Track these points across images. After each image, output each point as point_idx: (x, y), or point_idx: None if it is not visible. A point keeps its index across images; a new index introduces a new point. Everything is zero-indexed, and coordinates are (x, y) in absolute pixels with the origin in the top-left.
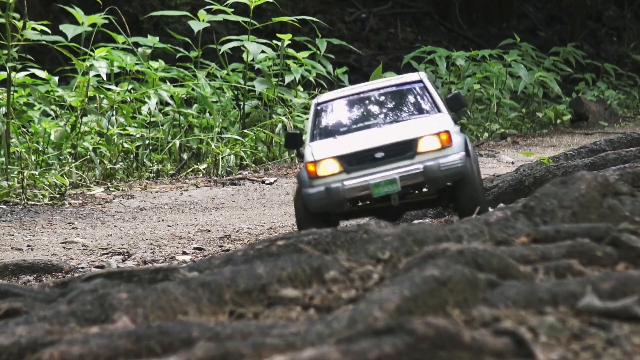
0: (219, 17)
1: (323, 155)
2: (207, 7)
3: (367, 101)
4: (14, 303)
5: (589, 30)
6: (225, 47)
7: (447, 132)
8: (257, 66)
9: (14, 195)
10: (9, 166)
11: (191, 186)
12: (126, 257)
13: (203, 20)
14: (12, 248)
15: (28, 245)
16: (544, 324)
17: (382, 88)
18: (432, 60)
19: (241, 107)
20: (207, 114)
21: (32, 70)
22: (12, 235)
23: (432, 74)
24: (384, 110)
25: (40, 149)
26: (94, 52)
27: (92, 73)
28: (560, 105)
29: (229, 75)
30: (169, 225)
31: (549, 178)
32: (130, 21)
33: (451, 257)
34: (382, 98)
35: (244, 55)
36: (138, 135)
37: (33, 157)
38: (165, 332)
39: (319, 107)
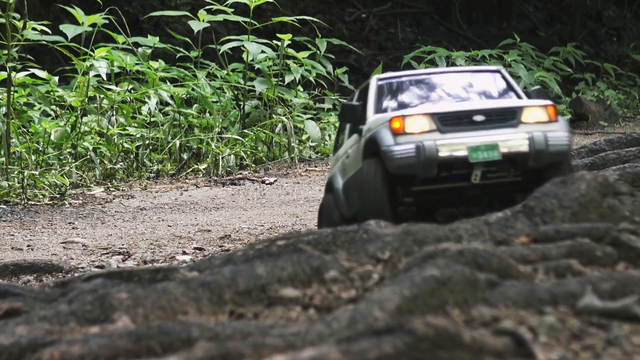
0: (219, 17)
1: (413, 112)
2: (207, 7)
3: (440, 82)
4: (14, 303)
5: (588, 30)
6: (225, 47)
7: (553, 105)
8: (257, 66)
9: (14, 195)
10: (9, 166)
11: (191, 186)
12: (126, 257)
13: (203, 20)
14: (12, 248)
15: (28, 245)
16: (544, 324)
17: (459, 72)
18: (432, 60)
19: (241, 107)
20: (207, 114)
21: (32, 70)
22: (13, 235)
23: None
24: (467, 92)
25: (40, 149)
26: (94, 52)
27: (92, 73)
28: (560, 105)
29: (229, 75)
30: (169, 225)
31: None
32: (130, 21)
33: (451, 257)
34: (460, 80)
35: (244, 55)
36: (138, 135)
37: (33, 157)
38: (166, 332)
39: (381, 83)
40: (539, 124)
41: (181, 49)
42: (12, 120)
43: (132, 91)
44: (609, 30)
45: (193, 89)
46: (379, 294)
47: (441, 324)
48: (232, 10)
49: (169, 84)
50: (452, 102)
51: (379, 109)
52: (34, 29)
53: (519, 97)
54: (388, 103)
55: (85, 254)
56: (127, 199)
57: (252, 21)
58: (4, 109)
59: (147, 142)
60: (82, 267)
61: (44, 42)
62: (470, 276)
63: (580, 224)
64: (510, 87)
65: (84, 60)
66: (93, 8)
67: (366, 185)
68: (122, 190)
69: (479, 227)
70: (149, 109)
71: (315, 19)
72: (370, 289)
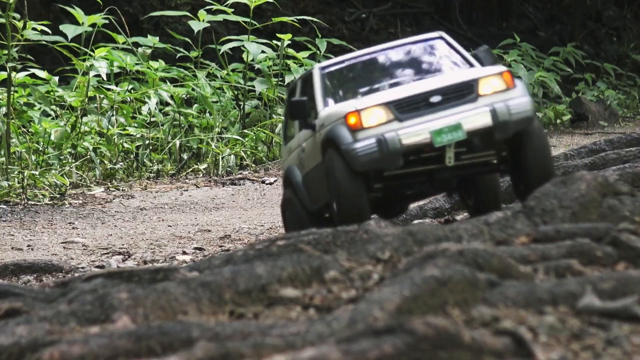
0: (219, 17)
1: (367, 104)
2: (207, 7)
3: (384, 61)
4: (14, 303)
5: (588, 30)
6: (225, 47)
7: (509, 71)
8: (257, 66)
9: (14, 195)
10: (9, 166)
11: (191, 186)
12: (126, 257)
13: (203, 20)
14: (12, 248)
15: (28, 245)
16: (544, 324)
17: (397, 46)
18: None
19: (241, 107)
20: (207, 114)
21: (32, 70)
22: (13, 235)
23: None
24: (414, 67)
25: (40, 149)
26: (94, 52)
27: (92, 73)
28: (560, 106)
29: (229, 75)
30: (169, 225)
31: None
32: (130, 21)
33: (451, 257)
34: (402, 56)
35: (244, 55)
36: (138, 135)
37: (33, 157)
38: (166, 332)
39: (324, 72)
40: (498, 94)
41: (181, 49)
42: (12, 120)
43: (132, 91)
44: (609, 30)
45: (193, 89)
46: (379, 294)
47: (441, 324)
48: (232, 10)
49: (169, 84)
50: (404, 84)
51: (329, 101)
52: (34, 29)
53: (469, 63)
54: (336, 93)
55: (85, 254)
56: (127, 199)
57: (252, 21)
58: (4, 109)
59: (147, 142)
60: (82, 267)
61: (44, 42)
62: (470, 276)
63: (580, 224)
64: (457, 52)
65: (84, 60)
66: (93, 8)
67: (335, 181)
68: (122, 190)
69: (479, 227)
70: (149, 109)
71: (315, 19)
72: (370, 289)
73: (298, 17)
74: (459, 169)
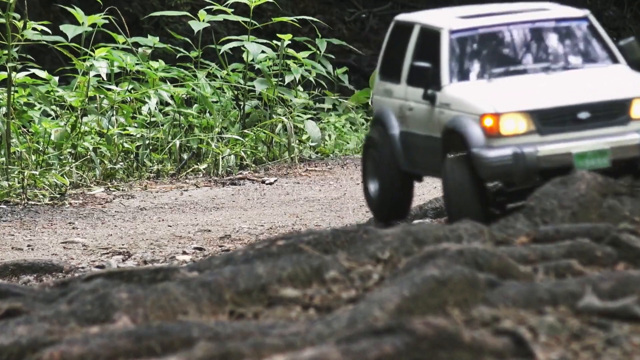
0: (219, 17)
1: (508, 107)
2: (207, 7)
3: (522, 37)
4: (15, 303)
5: None
6: (225, 47)
7: None
8: (257, 66)
9: (14, 195)
10: (9, 166)
11: (191, 186)
12: (126, 257)
13: (203, 20)
14: (12, 248)
15: (28, 245)
16: (544, 324)
17: (538, 21)
18: None
19: (241, 107)
20: (207, 114)
21: (33, 70)
22: (13, 235)
23: None
24: (552, 53)
25: (40, 149)
26: (94, 52)
27: (92, 73)
28: None
29: (229, 75)
30: (169, 225)
31: None
32: (130, 21)
33: (451, 257)
34: (542, 34)
35: (244, 55)
36: (138, 135)
37: (33, 157)
38: (166, 332)
39: (454, 37)
40: None
41: (181, 49)
42: (12, 120)
43: (132, 91)
44: (609, 30)
45: (193, 89)
46: (379, 294)
47: (441, 324)
48: (232, 10)
49: (169, 84)
50: (547, 77)
51: (457, 74)
52: (34, 29)
53: (612, 57)
54: (466, 66)
55: (85, 254)
56: (127, 199)
57: (252, 21)
58: (4, 109)
59: (147, 142)
60: (82, 267)
61: (44, 42)
62: (470, 276)
63: (580, 224)
64: (601, 41)
65: (84, 60)
66: (93, 8)
67: (453, 189)
68: (122, 190)
69: (479, 227)
70: (149, 109)
71: (315, 19)
72: (370, 289)
73: (298, 17)
74: None
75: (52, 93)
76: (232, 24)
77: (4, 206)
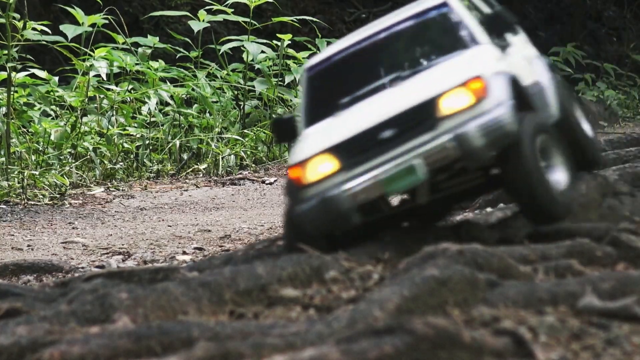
0: (219, 17)
1: (311, 151)
2: (207, 7)
3: (378, 49)
4: (15, 303)
5: (588, 30)
6: (225, 47)
7: (478, 77)
8: (257, 66)
9: (14, 195)
10: (9, 166)
11: (191, 186)
12: (126, 257)
13: (203, 20)
14: (12, 248)
15: (28, 245)
16: (544, 324)
17: (394, 26)
18: None
19: (241, 107)
20: (207, 114)
21: (32, 70)
22: (13, 235)
23: None
24: (400, 59)
25: (40, 149)
26: (94, 52)
27: (92, 73)
28: None
29: (229, 75)
30: (169, 225)
31: None
32: (130, 21)
33: (451, 257)
34: (397, 41)
35: (244, 55)
36: (138, 135)
37: (33, 157)
38: (166, 332)
39: (311, 74)
40: (463, 112)
41: (181, 49)
42: (12, 120)
43: (132, 91)
44: (609, 30)
45: (193, 89)
46: (379, 294)
47: (441, 324)
48: (232, 10)
49: (169, 84)
50: (365, 105)
51: (309, 119)
52: (34, 29)
53: (470, 37)
54: (318, 106)
55: (85, 254)
56: (127, 199)
57: (252, 21)
58: (4, 109)
59: (147, 142)
60: (82, 267)
61: (44, 42)
62: (470, 276)
63: (580, 224)
64: (458, 26)
65: (84, 60)
66: (93, 8)
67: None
68: (122, 190)
69: (479, 227)
70: (149, 109)
71: (315, 19)
72: (370, 289)
73: (298, 17)
74: (442, 200)
75: (52, 93)
76: (232, 24)
77: (4, 206)
